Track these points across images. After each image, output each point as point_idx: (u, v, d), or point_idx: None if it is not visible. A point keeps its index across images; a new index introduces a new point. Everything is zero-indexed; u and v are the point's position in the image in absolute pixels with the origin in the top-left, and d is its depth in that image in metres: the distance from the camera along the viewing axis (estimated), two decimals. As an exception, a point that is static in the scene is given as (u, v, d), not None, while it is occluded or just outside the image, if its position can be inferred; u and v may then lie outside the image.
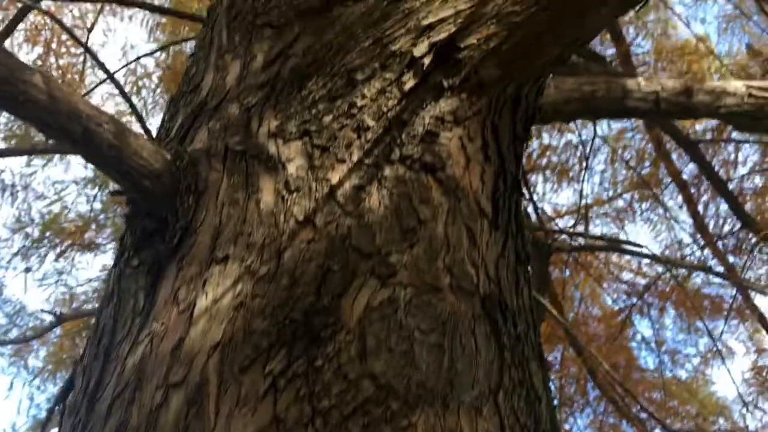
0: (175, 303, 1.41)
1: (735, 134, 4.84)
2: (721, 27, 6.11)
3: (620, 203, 6.17)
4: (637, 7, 1.70)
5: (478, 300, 1.45)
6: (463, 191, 1.56)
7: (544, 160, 5.81)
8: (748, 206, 5.07)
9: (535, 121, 1.85)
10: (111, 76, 1.99)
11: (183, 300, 1.40)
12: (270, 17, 1.96)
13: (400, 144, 1.57)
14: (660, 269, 5.32)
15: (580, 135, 5.19)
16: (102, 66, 2.03)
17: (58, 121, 1.53)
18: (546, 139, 5.79)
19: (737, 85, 2.32)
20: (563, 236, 5.29)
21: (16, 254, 5.63)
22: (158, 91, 6.02)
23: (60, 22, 2.59)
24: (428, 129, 1.59)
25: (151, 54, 4.97)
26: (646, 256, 4.19)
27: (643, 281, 5.92)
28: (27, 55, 5.50)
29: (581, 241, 5.24)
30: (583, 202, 5.63)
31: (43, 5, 4.44)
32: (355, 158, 1.56)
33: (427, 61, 1.64)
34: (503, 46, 1.62)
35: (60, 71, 5.51)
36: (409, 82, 1.64)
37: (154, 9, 4.16)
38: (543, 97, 2.23)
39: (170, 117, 1.96)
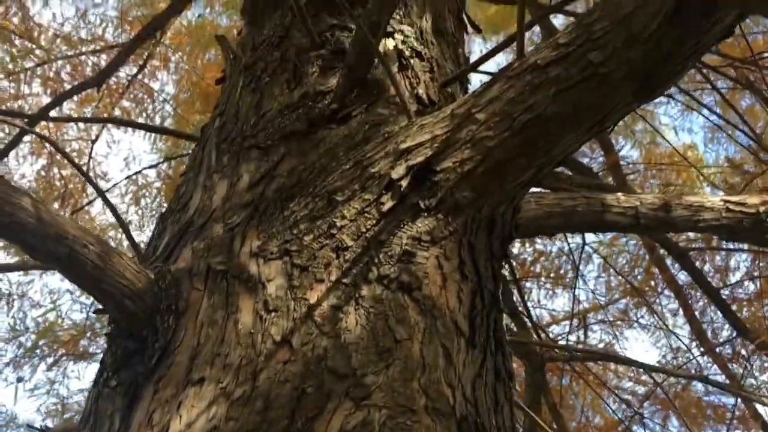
0: (150, 426, 1.41)
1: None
2: (707, 137, 6.30)
3: (618, 308, 6.15)
4: (609, 130, 1.77)
5: (454, 422, 1.44)
6: (440, 310, 1.58)
7: (538, 267, 5.84)
8: (743, 312, 5.05)
9: (513, 240, 1.89)
10: (102, 194, 2.06)
11: (157, 423, 1.40)
12: (257, 139, 2.04)
13: (377, 264, 1.61)
14: (659, 378, 5.23)
15: (568, 243, 5.24)
16: (93, 184, 2.11)
17: (45, 244, 1.57)
18: (539, 245, 5.84)
19: (714, 200, 2.37)
20: (559, 342, 5.24)
21: (8, 364, 5.57)
22: (158, 200, 6.15)
23: (55, 144, 2.70)
24: (405, 249, 1.63)
25: (151, 167, 5.11)
26: (641, 366, 4.14)
27: (643, 389, 5.82)
28: (31, 166, 5.66)
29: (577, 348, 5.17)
30: (580, 308, 5.62)
31: (47, 123, 4.65)
32: (333, 278, 1.59)
33: (404, 183, 1.70)
34: (477, 169, 1.68)
35: (63, 181, 5.65)
36: (387, 203, 1.69)
37: (152, 129, 4.31)
38: (524, 212, 2.29)
39: (158, 234, 2.01)
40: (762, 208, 2.26)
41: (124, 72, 5.64)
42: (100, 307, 1.73)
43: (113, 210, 2.00)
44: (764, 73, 3.98)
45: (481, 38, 7.16)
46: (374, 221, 1.67)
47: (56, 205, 5.42)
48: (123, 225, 2.13)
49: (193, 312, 1.59)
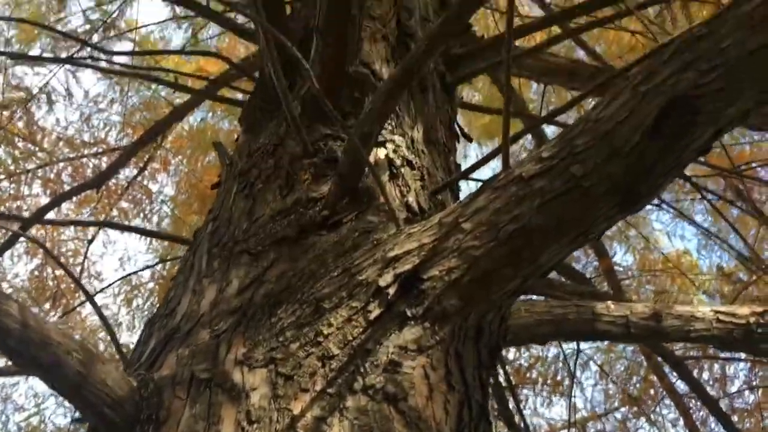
0: None
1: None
2: (700, 243, 6.35)
3: (617, 417, 6.00)
4: (595, 241, 1.80)
5: None
6: (426, 422, 1.55)
7: (534, 372, 5.74)
8: (744, 422, 4.94)
9: (501, 349, 1.88)
10: (90, 298, 2.06)
11: None
12: (248, 245, 2.06)
13: (363, 373, 1.59)
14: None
15: (562, 350, 5.18)
16: (83, 289, 2.12)
17: (29, 350, 1.56)
18: (535, 350, 5.77)
19: (705, 310, 2.37)
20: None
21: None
22: (151, 300, 6.12)
23: (46, 248, 2.73)
24: (391, 358, 1.61)
25: (145, 269, 5.13)
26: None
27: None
28: (25, 265, 5.67)
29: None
30: (579, 416, 5.49)
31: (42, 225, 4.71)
32: (318, 387, 1.57)
33: (392, 291, 1.70)
34: (464, 278, 1.69)
35: (56, 281, 5.64)
36: (375, 311, 1.69)
37: (146, 233, 4.36)
38: (515, 320, 2.28)
39: (144, 340, 1.99)
40: (752, 319, 2.26)
41: (124, 174, 5.75)
42: (79, 416, 1.70)
43: (101, 315, 1.99)
44: (751, 183, 4.07)
45: (477, 143, 7.36)
46: (361, 329, 1.67)
47: (47, 306, 5.40)
48: (110, 330, 2.12)
49: (174, 422, 1.56)
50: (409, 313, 1.68)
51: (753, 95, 1.55)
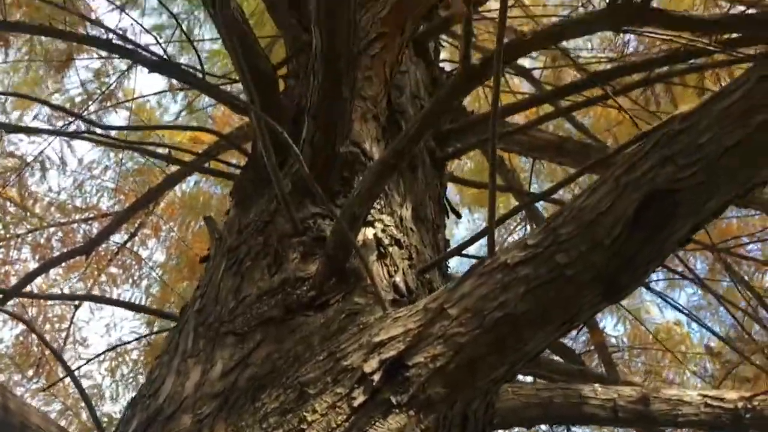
0: None
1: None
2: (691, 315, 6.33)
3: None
4: (578, 329, 1.81)
5: None
6: None
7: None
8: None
9: (486, 436, 1.86)
10: (71, 373, 2.05)
11: None
12: (234, 325, 2.05)
13: (346, 465, 1.57)
14: None
15: (551, 427, 5.09)
16: (63, 362, 2.10)
17: (6, 434, 1.54)
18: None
19: (693, 395, 2.37)
20: None
21: None
22: (138, 366, 6.04)
23: (26, 322, 2.73)
24: (375, 449, 1.59)
25: (135, 340, 5.09)
26: None
27: None
28: (10, 330, 5.61)
29: None
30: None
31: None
32: (300, 478, 1.55)
33: (376, 377, 1.69)
34: (450, 365, 1.68)
35: (40, 347, 5.57)
36: (359, 398, 1.67)
37: (130, 307, 4.36)
38: (502, 403, 2.27)
39: (126, 421, 1.97)
40: (740, 404, 2.26)
41: (114, 239, 5.75)
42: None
43: (81, 391, 1.97)
44: (737, 257, 4.10)
45: (467, 209, 7.43)
46: (345, 416, 1.65)
47: (31, 372, 5.32)
48: (89, 406, 2.10)
49: None
50: (393, 401, 1.66)
51: (732, 189, 1.59)
